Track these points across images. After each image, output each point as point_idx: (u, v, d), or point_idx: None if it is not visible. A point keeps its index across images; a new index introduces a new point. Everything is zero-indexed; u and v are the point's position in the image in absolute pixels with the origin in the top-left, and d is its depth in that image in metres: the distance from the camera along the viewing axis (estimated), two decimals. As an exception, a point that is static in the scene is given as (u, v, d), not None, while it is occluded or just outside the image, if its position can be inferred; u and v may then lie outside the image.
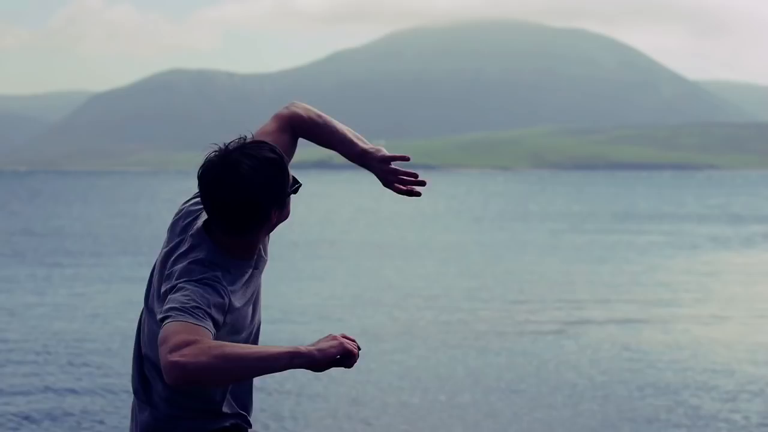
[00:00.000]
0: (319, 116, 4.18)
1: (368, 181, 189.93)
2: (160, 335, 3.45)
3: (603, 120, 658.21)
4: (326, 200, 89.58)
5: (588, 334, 18.36)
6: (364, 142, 4.14)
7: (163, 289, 3.66)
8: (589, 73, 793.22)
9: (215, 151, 3.68)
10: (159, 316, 3.55)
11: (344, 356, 3.53)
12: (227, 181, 3.60)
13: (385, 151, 4.08)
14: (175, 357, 3.33)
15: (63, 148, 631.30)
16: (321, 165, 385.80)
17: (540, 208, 75.05)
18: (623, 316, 20.69)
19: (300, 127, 4.16)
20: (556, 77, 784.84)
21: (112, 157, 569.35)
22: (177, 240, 3.77)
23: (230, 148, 3.68)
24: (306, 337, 17.60)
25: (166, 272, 3.70)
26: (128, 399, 12.33)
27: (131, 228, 49.09)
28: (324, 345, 3.53)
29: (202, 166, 3.67)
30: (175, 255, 3.72)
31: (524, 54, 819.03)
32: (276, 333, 17.78)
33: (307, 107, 4.20)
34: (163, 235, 3.78)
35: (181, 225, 3.82)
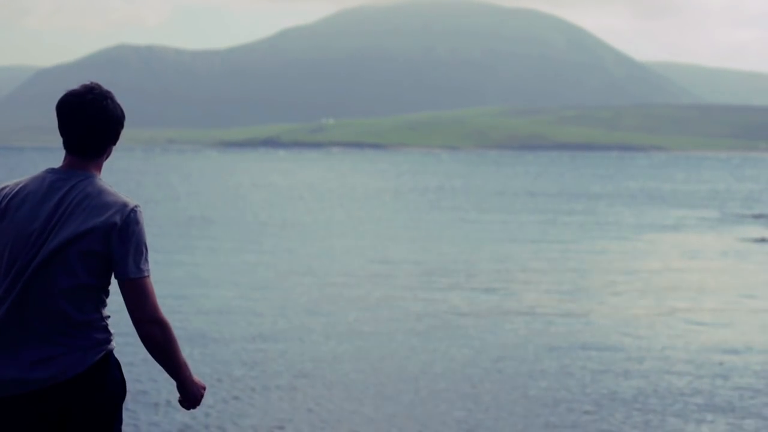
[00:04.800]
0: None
1: (308, 159, 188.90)
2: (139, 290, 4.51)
3: (551, 100, 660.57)
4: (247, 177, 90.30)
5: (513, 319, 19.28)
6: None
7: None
8: (538, 54, 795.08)
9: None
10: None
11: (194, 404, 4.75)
12: None
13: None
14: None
15: (9, 124, 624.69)
16: (269, 143, 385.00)
17: (475, 187, 75.89)
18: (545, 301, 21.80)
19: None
20: (505, 57, 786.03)
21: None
22: None
23: None
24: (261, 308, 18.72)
25: None
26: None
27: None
28: (197, 391, 4.68)
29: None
30: None
31: (473, 33, 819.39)
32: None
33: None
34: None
35: None
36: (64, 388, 4.45)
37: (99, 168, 4.58)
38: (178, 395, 4.67)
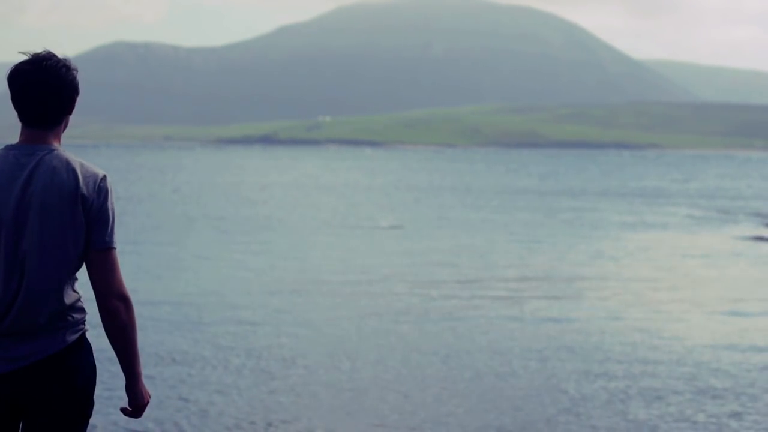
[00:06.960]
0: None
1: (299, 155, 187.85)
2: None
3: (547, 98, 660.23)
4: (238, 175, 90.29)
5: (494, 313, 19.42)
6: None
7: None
8: (535, 51, 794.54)
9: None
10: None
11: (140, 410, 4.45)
12: None
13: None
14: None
15: (6, 120, 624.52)
16: (266, 140, 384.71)
17: (463, 184, 75.85)
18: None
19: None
20: (502, 55, 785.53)
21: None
22: None
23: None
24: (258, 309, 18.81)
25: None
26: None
27: None
28: (146, 395, 4.42)
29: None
30: None
31: (470, 31, 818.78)
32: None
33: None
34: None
35: None
36: (40, 368, 4.26)
37: (59, 139, 4.41)
38: (123, 403, 4.42)
